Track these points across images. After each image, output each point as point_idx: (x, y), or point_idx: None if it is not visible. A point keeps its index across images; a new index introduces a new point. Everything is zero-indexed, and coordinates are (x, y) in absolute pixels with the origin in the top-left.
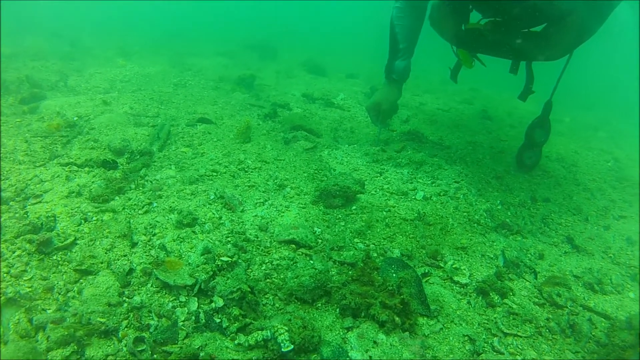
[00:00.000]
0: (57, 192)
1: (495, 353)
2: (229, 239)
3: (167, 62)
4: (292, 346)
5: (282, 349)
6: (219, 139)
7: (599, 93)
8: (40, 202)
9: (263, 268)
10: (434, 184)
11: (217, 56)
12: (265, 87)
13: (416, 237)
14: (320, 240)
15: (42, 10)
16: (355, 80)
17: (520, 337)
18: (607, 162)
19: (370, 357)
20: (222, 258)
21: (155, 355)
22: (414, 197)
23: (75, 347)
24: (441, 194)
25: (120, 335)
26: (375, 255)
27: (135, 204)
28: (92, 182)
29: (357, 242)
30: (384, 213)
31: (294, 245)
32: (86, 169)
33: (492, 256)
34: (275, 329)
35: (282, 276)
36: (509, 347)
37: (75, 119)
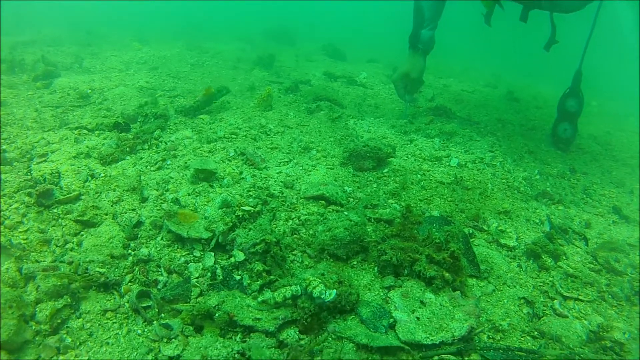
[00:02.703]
0: (65, 152)
1: (557, 317)
2: (251, 192)
3: (184, 46)
4: (335, 292)
5: (325, 299)
6: (239, 107)
7: (625, 84)
8: (45, 161)
9: (290, 224)
10: (467, 152)
11: (235, 42)
12: (284, 68)
13: (454, 200)
14: (352, 199)
15: (58, 8)
16: (376, 64)
17: (582, 301)
18: None
19: (417, 318)
20: (243, 207)
21: (162, 314)
22: (448, 163)
23: (69, 299)
24: (476, 161)
25: (122, 290)
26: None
27: (147, 162)
28: (103, 143)
29: (392, 203)
30: (419, 176)
31: (323, 202)
32: (97, 132)
33: (537, 221)
34: (308, 282)
35: (311, 231)
36: (571, 310)
37: (89, 91)
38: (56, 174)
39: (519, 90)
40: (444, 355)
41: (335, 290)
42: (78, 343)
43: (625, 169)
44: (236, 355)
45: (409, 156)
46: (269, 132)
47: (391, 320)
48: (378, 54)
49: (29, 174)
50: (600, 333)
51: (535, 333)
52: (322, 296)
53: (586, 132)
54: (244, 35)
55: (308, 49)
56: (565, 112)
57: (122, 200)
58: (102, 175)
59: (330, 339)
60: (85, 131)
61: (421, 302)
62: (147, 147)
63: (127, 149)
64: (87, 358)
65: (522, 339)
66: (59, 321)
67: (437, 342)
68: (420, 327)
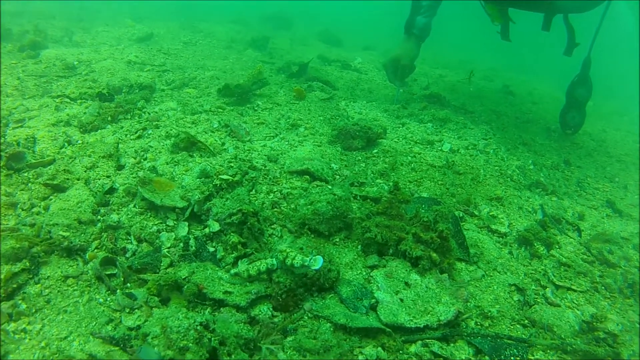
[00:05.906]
0: (43, 119)
1: (549, 305)
2: (232, 163)
3: (177, 25)
4: (322, 259)
5: (311, 266)
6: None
7: (624, 83)
8: (21, 126)
9: (270, 197)
10: (460, 139)
11: (229, 23)
12: (278, 50)
13: (445, 184)
14: (338, 176)
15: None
16: (371, 52)
17: (575, 291)
18: (635, 142)
19: (401, 299)
20: (221, 176)
21: (128, 284)
22: (440, 148)
23: (28, 263)
24: (469, 147)
25: (87, 257)
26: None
27: (128, 130)
28: (84, 112)
29: (380, 183)
30: (409, 158)
31: (308, 177)
32: (79, 101)
33: (530, 210)
34: (285, 254)
35: (293, 206)
36: (564, 300)
37: (76, 62)
38: (31, 140)
39: (515, 85)
40: (428, 340)
41: (321, 257)
42: (33, 310)
43: (619, 165)
44: (198, 327)
45: (400, 138)
46: (256, 108)
47: (373, 300)
48: (375, 42)
49: (2, 138)
50: (594, 324)
51: (526, 321)
52: (307, 264)
53: (581, 129)
54: (240, 18)
55: (304, 34)
56: (573, 100)
57: (97, 167)
58: (80, 142)
59: (306, 317)
60: (68, 100)
61: (406, 283)
62: (129, 117)
63: (109, 117)
64: (40, 326)
65: (512, 326)
66: (14, 286)
67: (421, 326)
68: (404, 309)
